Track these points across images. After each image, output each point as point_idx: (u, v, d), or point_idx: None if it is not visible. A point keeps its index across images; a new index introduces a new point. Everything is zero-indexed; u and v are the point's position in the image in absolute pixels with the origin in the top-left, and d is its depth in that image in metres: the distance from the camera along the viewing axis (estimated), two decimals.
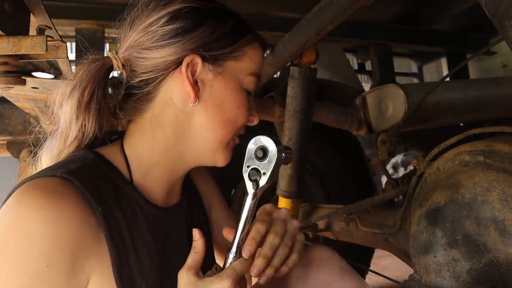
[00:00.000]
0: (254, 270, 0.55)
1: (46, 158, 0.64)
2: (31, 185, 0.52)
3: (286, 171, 1.37)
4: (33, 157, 0.66)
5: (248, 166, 0.58)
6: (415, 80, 3.12)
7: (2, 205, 0.53)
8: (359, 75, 2.84)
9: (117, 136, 0.69)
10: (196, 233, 0.58)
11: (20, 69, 0.69)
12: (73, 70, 0.68)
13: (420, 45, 2.37)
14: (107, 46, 1.76)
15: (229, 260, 0.56)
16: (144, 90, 0.63)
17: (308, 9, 1.07)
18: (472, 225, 0.71)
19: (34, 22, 0.65)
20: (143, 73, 0.63)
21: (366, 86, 2.79)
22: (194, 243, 0.57)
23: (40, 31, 0.66)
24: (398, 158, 3.51)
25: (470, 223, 0.71)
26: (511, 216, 0.66)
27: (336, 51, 2.55)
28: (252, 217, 0.58)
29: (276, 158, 0.57)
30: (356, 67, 2.88)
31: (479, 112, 1.73)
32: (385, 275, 1.30)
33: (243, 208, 0.58)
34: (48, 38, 0.59)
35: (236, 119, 0.66)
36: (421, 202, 0.87)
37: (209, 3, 0.66)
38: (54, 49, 0.68)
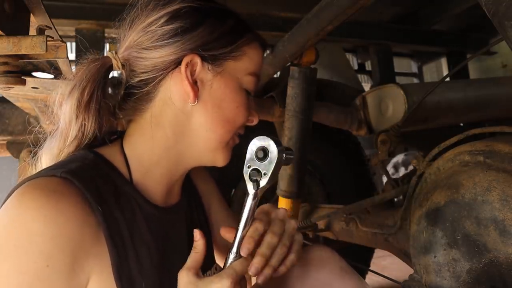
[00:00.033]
0: (252, 269, 0.55)
1: (46, 158, 0.64)
2: (31, 185, 0.52)
3: (286, 171, 1.37)
4: (33, 157, 0.66)
5: (249, 167, 0.58)
6: (415, 80, 3.12)
7: (2, 205, 0.53)
8: (359, 75, 2.84)
9: (117, 136, 0.69)
10: (197, 234, 0.58)
11: (20, 69, 0.69)
12: (73, 70, 0.68)
13: (420, 45, 2.37)
14: (107, 46, 1.76)
15: (229, 260, 0.56)
16: (144, 90, 0.63)
17: (308, 9, 1.07)
18: (472, 225, 0.71)
19: (34, 22, 0.65)
20: (143, 73, 0.63)
21: (366, 86, 2.79)
22: (195, 244, 0.57)
23: (40, 31, 0.66)
24: (399, 157, 3.51)
25: (470, 223, 0.71)
26: (511, 216, 0.66)
27: (336, 51, 2.55)
28: (252, 218, 0.58)
29: (277, 159, 0.57)
30: (356, 67, 2.88)
31: (479, 112, 1.73)
32: (385, 275, 1.30)
33: (244, 208, 0.58)
34: (48, 38, 0.59)
35: (236, 118, 0.66)
36: (421, 202, 0.87)
37: (208, 3, 0.66)
38: (54, 49, 0.68)
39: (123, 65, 0.64)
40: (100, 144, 0.65)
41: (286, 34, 1.19)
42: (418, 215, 0.84)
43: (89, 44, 1.49)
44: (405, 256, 1.07)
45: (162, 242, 0.65)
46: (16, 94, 1.07)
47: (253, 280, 0.70)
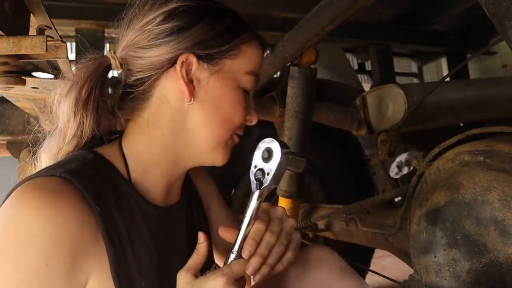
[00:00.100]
0: (249, 269, 0.55)
1: (45, 157, 0.64)
2: (31, 184, 0.52)
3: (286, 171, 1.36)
4: (32, 157, 0.66)
5: (255, 167, 0.60)
6: (415, 80, 3.12)
7: (2, 204, 0.53)
8: (359, 75, 2.84)
9: (117, 136, 0.69)
10: (201, 236, 0.58)
11: (20, 69, 0.69)
12: (73, 70, 0.68)
13: (420, 45, 2.37)
14: (107, 46, 1.76)
15: (230, 260, 0.57)
16: (140, 88, 0.64)
17: (308, 9, 1.06)
18: (472, 225, 0.71)
19: (34, 22, 0.65)
20: (139, 71, 0.63)
21: (366, 86, 2.80)
22: (198, 245, 0.58)
23: (40, 31, 0.66)
24: (402, 157, 3.51)
25: (470, 223, 0.71)
26: (511, 216, 0.66)
27: (336, 51, 2.55)
28: (255, 217, 0.59)
29: (280, 159, 0.58)
30: (356, 67, 2.89)
31: (479, 112, 1.73)
32: (385, 275, 1.30)
33: (247, 208, 0.59)
34: (48, 38, 0.59)
35: (233, 118, 0.66)
36: (421, 202, 0.87)
37: (206, 2, 0.66)
38: (54, 49, 0.68)
39: (121, 65, 0.64)
40: (99, 143, 0.65)
41: (286, 34, 1.19)
42: (418, 215, 0.84)
43: (89, 44, 1.49)
44: (405, 256, 1.07)
45: (161, 242, 0.65)
46: (16, 94, 1.06)
47: (253, 280, 0.70)
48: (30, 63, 0.88)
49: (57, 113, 0.64)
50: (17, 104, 1.28)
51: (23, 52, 0.57)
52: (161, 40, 0.61)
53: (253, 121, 0.70)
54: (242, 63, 0.66)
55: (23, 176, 0.57)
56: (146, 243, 0.61)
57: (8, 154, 1.62)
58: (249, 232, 0.58)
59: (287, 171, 0.63)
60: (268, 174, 0.58)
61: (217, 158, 0.68)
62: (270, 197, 1.63)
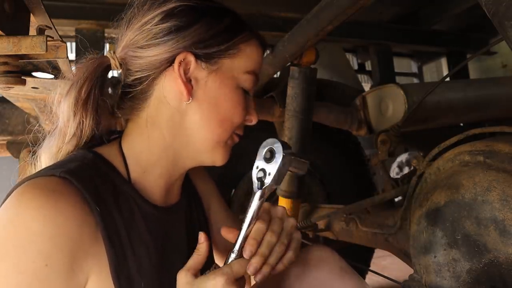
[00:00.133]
0: (250, 269, 0.55)
1: (45, 157, 0.65)
2: (31, 184, 0.52)
3: None
4: (32, 156, 0.66)
5: (257, 167, 0.60)
6: (415, 80, 3.12)
7: (2, 204, 0.53)
8: (359, 75, 2.85)
9: (117, 136, 0.69)
10: (202, 236, 0.58)
11: (20, 69, 0.70)
12: (73, 70, 0.68)
13: (420, 45, 2.37)
14: (107, 46, 1.76)
15: (230, 260, 0.57)
16: (138, 88, 0.64)
17: (308, 9, 1.06)
18: (472, 225, 0.71)
19: (34, 22, 0.65)
20: (137, 71, 0.63)
21: (366, 86, 2.80)
22: (198, 246, 0.58)
23: (40, 31, 0.66)
24: (403, 157, 3.52)
25: (470, 223, 0.71)
26: (511, 216, 0.66)
27: (336, 51, 2.55)
28: (257, 217, 0.59)
29: (281, 160, 0.58)
30: (356, 67, 2.89)
31: (479, 112, 1.73)
32: (385, 275, 1.30)
33: (249, 208, 0.59)
34: (48, 38, 0.59)
35: (232, 117, 0.65)
36: (421, 202, 0.87)
37: (205, 1, 0.66)
38: (54, 49, 0.68)
39: (121, 65, 0.65)
40: (99, 143, 0.65)
41: (286, 34, 1.19)
42: (418, 215, 0.84)
43: (89, 44, 1.49)
44: (405, 256, 1.07)
45: (161, 241, 0.65)
46: (16, 94, 1.06)
47: (253, 280, 0.70)
48: (30, 63, 0.88)
49: (57, 113, 0.64)
50: (17, 104, 1.28)
51: (23, 52, 0.57)
52: (159, 39, 0.61)
53: (253, 121, 0.70)
54: (241, 62, 0.66)
55: (23, 176, 0.57)
56: (145, 243, 0.61)
57: (8, 154, 1.62)
58: (250, 232, 0.58)
59: (290, 172, 0.63)
60: (269, 174, 0.58)
61: (216, 158, 0.68)
62: (270, 197, 1.63)
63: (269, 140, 0.61)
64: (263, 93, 1.56)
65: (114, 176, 0.61)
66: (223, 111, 0.64)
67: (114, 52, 0.66)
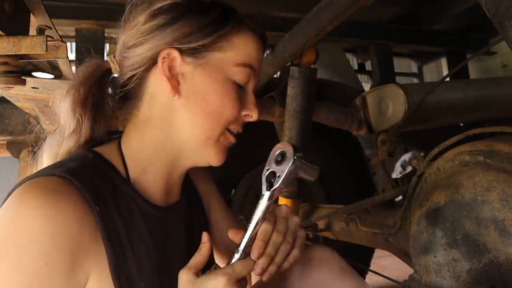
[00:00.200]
0: (257, 269, 0.56)
1: (46, 157, 0.65)
2: (31, 184, 0.52)
3: None
4: (32, 156, 0.66)
5: (267, 170, 0.61)
6: (415, 80, 3.12)
7: (2, 204, 0.53)
8: (359, 75, 2.85)
9: (117, 136, 0.69)
10: (204, 236, 0.58)
11: (20, 69, 0.70)
12: (73, 70, 0.69)
13: (420, 45, 2.38)
14: (107, 46, 1.76)
15: (234, 260, 0.57)
16: (131, 87, 0.65)
17: (308, 9, 1.06)
18: (472, 225, 0.71)
19: (34, 22, 0.65)
20: (129, 71, 0.64)
21: (366, 86, 2.80)
22: (201, 245, 0.58)
23: (40, 31, 0.66)
24: (406, 156, 3.51)
25: (470, 223, 0.71)
26: (511, 216, 0.66)
27: (336, 51, 2.55)
28: (263, 219, 0.59)
29: (291, 163, 0.59)
30: (356, 67, 2.89)
31: (479, 112, 1.73)
32: (385, 275, 1.31)
33: (256, 209, 0.59)
34: (48, 38, 0.59)
35: (222, 111, 0.64)
36: (421, 202, 0.87)
37: None
38: (54, 49, 0.68)
39: (119, 67, 0.66)
40: (99, 143, 0.65)
41: (286, 34, 1.19)
42: (418, 215, 0.84)
43: (89, 44, 1.50)
44: (405, 256, 1.07)
45: (161, 241, 0.65)
46: (16, 94, 1.06)
47: (253, 280, 0.70)
48: (30, 63, 0.88)
49: (58, 113, 0.65)
50: (17, 104, 1.28)
51: (23, 52, 0.57)
52: (144, 38, 0.62)
53: (253, 116, 0.68)
54: (231, 54, 0.64)
55: (23, 176, 0.57)
56: (145, 242, 0.61)
57: (8, 154, 1.62)
58: (255, 233, 0.58)
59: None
60: (279, 176, 0.59)
61: (210, 157, 0.66)
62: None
63: (281, 143, 0.61)
64: (263, 93, 1.56)
65: (113, 175, 0.61)
66: (211, 104, 0.63)
67: (114, 56, 0.67)
